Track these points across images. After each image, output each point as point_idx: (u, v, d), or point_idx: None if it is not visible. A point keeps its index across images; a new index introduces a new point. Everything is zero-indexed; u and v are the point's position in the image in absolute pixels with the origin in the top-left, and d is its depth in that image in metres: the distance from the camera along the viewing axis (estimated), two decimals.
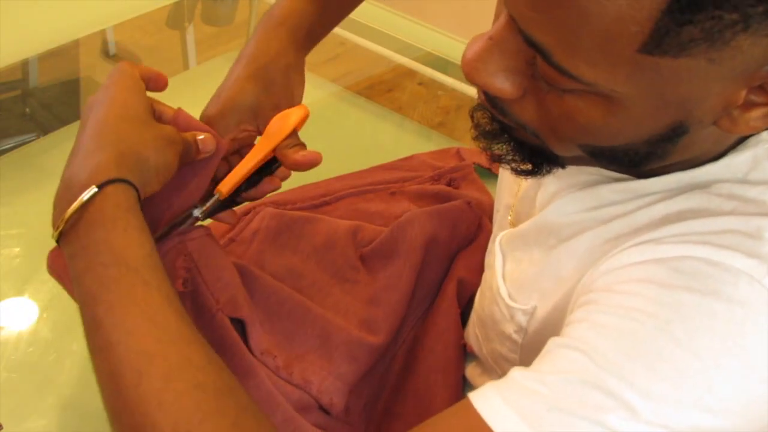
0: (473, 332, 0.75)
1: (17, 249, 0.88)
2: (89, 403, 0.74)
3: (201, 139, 0.60)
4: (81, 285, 0.47)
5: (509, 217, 0.68)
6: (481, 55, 0.45)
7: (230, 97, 0.64)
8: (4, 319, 0.80)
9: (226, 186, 0.63)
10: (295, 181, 0.98)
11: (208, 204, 0.63)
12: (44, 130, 1.13)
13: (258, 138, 0.67)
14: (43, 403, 0.73)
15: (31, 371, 0.76)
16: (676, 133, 0.44)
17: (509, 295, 0.62)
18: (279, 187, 0.68)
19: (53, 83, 1.27)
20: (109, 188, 0.49)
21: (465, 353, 0.79)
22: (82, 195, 0.48)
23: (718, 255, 0.44)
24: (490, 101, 0.49)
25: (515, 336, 0.62)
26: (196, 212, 0.63)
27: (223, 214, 0.67)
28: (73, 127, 1.12)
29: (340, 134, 1.18)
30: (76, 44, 1.31)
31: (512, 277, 0.63)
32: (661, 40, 0.37)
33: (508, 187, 0.69)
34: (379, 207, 0.92)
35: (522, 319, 0.60)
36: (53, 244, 0.88)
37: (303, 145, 0.65)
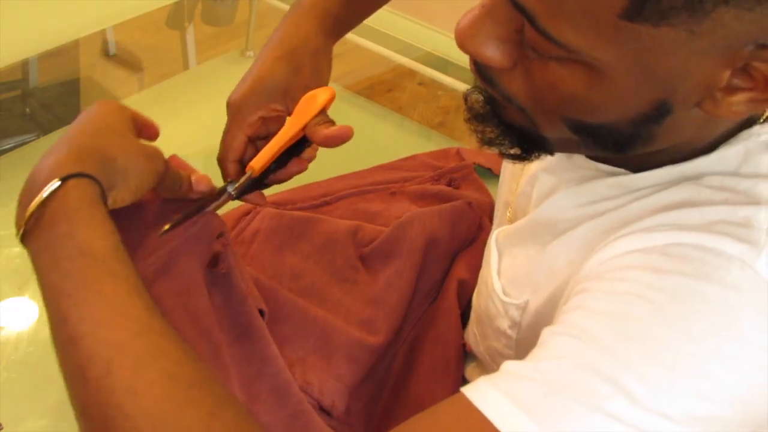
0: (472, 330, 0.75)
1: (17, 249, 0.88)
2: None
3: (195, 178, 0.60)
4: (45, 280, 0.46)
5: (507, 214, 0.68)
6: (473, 22, 0.46)
7: (260, 76, 0.64)
8: (4, 319, 0.80)
9: (258, 162, 0.63)
10: (295, 180, 0.98)
11: (241, 180, 0.63)
12: (44, 130, 1.13)
13: (287, 119, 0.67)
14: (43, 403, 0.73)
15: (31, 371, 0.76)
16: (659, 112, 0.44)
17: (503, 291, 0.62)
18: (305, 169, 0.68)
19: (53, 83, 1.27)
20: (71, 182, 0.48)
21: (465, 354, 0.79)
22: (44, 190, 0.47)
23: (709, 241, 0.44)
24: (479, 72, 0.50)
25: (509, 331, 0.62)
26: (230, 188, 0.63)
27: (251, 196, 0.67)
28: None
29: None
30: (76, 44, 1.31)
31: (507, 273, 0.63)
32: (642, 7, 0.38)
33: (508, 184, 0.70)
34: (380, 207, 0.93)
35: (515, 314, 0.61)
36: None
37: (332, 122, 0.65)
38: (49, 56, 1.27)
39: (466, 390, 0.44)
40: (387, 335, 0.75)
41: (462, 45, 0.47)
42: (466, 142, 1.29)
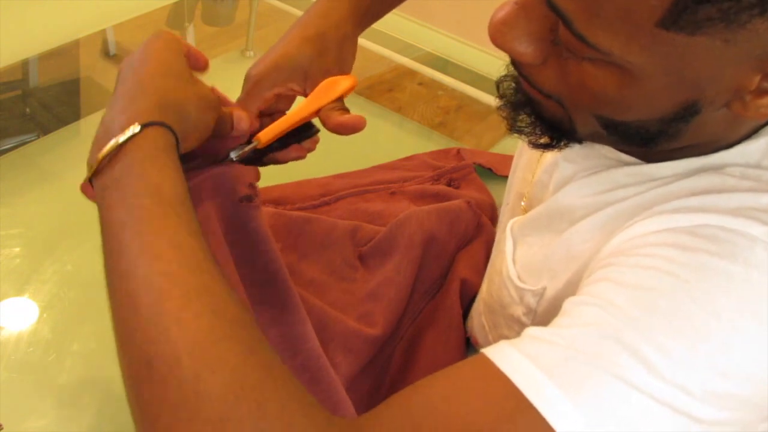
0: (478, 322, 0.75)
1: (17, 249, 0.88)
2: (89, 403, 0.74)
3: (237, 116, 0.61)
4: (110, 215, 0.47)
5: (522, 204, 0.69)
6: (507, 19, 0.46)
7: (285, 53, 0.65)
8: (4, 319, 0.80)
9: (266, 135, 0.64)
10: (295, 174, 0.98)
11: (245, 149, 0.63)
12: (44, 130, 1.13)
13: (300, 99, 0.67)
14: (43, 403, 0.73)
15: (31, 371, 0.76)
16: (688, 112, 0.45)
17: (519, 277, 0.62)
18: (304, 157, 0.68)
19: (53, 83, 1.27)
20: (151, 129, 0.49)
21: (466, 350, 0.79)
22: (124, 132, 0.49)
23: (734, 223, 0.45)
24: (516, 67, 0.51)
25: (524, 318, 0.62)
26: (233, 155, 0.63)
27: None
28: (73, 127, 1.12)
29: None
30: (76, 44, 1.31)
31: (522, 260, 0.63)
32: (678, 17, 0.38)
33: (522, 175, 0.70)
34: (379, 207, 0.93)
35: (531, 300, 0.61)
36: (54, 244, 0.88)
37: (347, 110, 0.65)
38: (49, 56, 1.26)
39: (488, 351, 0.45)
40: (385, 328, 0.75)
41: (495, 40, 0.47)
42: (466, 142, 1.29)
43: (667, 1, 0.38)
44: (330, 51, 0.66)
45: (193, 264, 0.45)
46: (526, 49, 0.47)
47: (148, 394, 0.41)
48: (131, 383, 0.43)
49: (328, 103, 0.64)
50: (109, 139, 0.49)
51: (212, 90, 0.60)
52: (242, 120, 0.61)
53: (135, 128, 0.49)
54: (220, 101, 0.60)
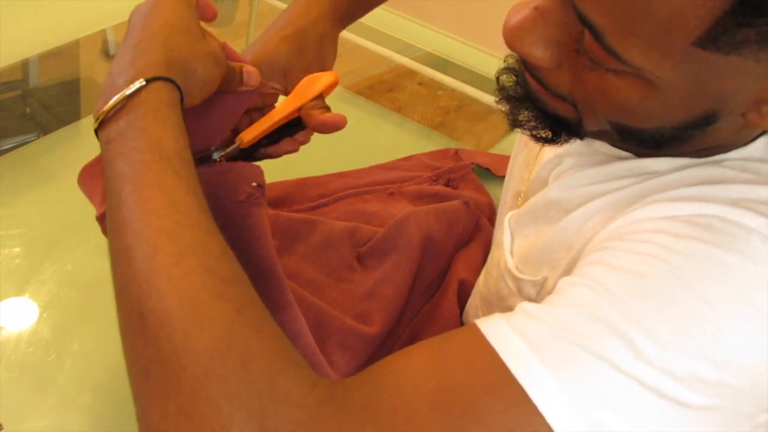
0: (474, 315, 0.75)
1: (17, 249, 0.88)
2: (89, 403, 0.74)
3: (247, 71, 0.61)
4: (112, 168, 0.48)
5: (519, 202, 0.69)
6: (524, 23, 0.46)
7: (264, 52, 0.65)
8: (4, 319, 0.80)
9: (248, 135, 0.64)
10: (294, 173, 0.98)
11: (228, 150, 0.63)
12: (44, 130, 1.13)
13: (283, 97, 0.67)
14: (43, 403, 0.73)
15: (31, 371, 0.76)
16: (706, 121, 0.45)
17: (517, 268, 0.63)
18: (297, 150, 0.68)
19: (53, 83, 1.27)
20: (156, 84, 0.50)
21: None
22: (130, 86, 0.49)
23: (732, 214, 0.45)
24: (528, 69, 0.51)
25: None
26: (216, 155, 0.63)
27: None
28: (73, 127, 1.12)
29: (340, 134, 1.18)
30: (76, 44, 1.31)
31: (520, 252, 0.64)
32: (716, 38, 0.38)
33: (519, 173, 0.70)
34: (378, 207, 0.93)
35: (531, 291, 0.61)
36: (54, 244, 0.88)
37: (328, 108, 0.65)
38: (49, 56, 1.26)
39: (480, 322, 0.45)
40: (382, 326, 0.75)
41: (511, 44, 0.47)
42: (466, 143, 1.29)
43: (706, 22, 0.38)
44: (309, 48, 0.66)
45: (189, 221, 0.45)
46: (543, 54, 0.47)
47: (141, 347, 0.42)
48: (126, 336, 0.43)
49: (309, 101, 0.64)
50: (115, 92, 0.49)
51: (223, 45, 0.60)
52: (252, 75, 0.61)
53: (141, 82, 0.49)
54: (229, 56, 0.60)
